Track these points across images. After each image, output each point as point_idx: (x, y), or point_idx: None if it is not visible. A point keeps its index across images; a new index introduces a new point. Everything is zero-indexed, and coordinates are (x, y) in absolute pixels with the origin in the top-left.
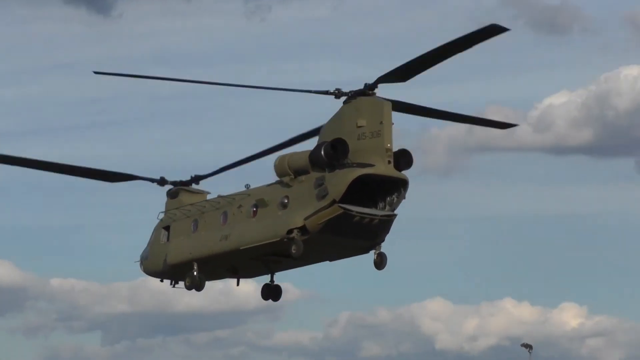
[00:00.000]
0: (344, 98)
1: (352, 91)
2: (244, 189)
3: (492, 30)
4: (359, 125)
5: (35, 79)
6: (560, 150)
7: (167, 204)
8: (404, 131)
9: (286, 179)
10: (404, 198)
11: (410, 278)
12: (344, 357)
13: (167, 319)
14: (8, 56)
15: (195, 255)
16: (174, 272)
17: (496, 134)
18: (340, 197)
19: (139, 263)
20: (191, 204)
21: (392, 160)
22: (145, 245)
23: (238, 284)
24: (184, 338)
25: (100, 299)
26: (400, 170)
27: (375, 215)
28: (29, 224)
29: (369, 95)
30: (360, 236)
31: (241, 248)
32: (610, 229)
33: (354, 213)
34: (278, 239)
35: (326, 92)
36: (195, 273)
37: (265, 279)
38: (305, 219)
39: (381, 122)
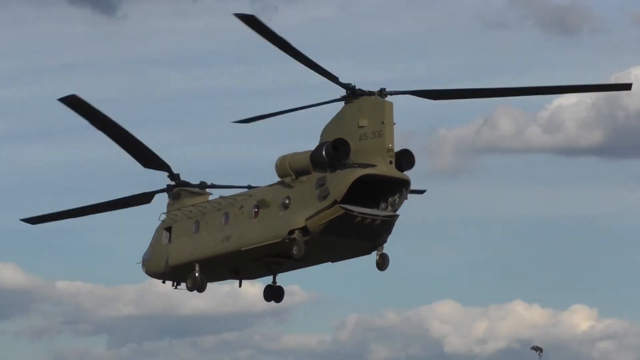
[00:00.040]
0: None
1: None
2: (245, 189)
3: None
4: (360, 125)
5: (38, 80)
6: (570, 151)
7: (168, 205)
8: (411, 132)
9: (287, 180)
10: (406, 198)
11: (420, 280)
12: None
13: (173, 322)
14: (11, 57)
15: (197, 256)
16: (175, 273)
17: (505, 135)
18: (342, 197)
19: (140, 264)
20: (193, 205)
21: (393, 160)
22: (147, 247)
23: (240, 285)
24: (191, 341)
25: (106, 302)
26: (402, 170)
27: (377, 215)
28: (34, 226)
29: (372, 95)
30: (362, 237)
31: (242, 249)
32: (621, 230)
33: (355, 213)
34: (279, 239)
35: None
36: (196, 274)
37: (268, 280)
38: (307, 219)
39: (383, 122)
